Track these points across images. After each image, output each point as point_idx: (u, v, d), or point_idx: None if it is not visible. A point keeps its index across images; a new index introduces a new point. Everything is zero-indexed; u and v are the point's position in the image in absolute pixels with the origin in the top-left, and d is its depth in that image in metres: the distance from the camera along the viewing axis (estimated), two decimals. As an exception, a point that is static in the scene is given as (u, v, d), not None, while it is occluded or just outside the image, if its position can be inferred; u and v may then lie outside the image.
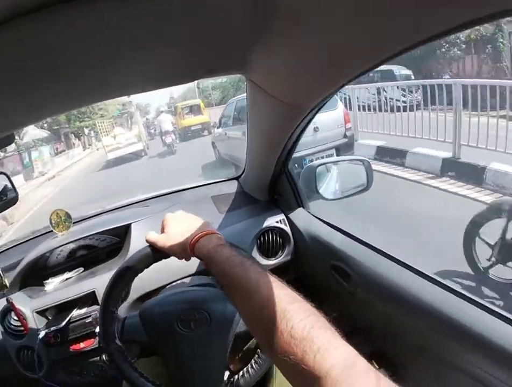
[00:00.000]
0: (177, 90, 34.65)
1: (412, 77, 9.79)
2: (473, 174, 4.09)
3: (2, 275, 1.01)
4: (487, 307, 0.69)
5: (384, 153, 5.68)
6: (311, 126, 3.98)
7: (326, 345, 0.42)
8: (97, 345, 1.13)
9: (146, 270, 0.79)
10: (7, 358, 1.14)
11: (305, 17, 0.47)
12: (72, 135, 23.74)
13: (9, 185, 0.88)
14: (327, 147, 4.84)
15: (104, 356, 1.17)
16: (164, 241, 0.72)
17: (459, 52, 11.49)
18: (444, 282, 0.78)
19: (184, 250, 0.69)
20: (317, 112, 0.85)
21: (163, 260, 0.77)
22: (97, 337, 1.11)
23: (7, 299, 1.04)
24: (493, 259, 2.38)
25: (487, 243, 2.40)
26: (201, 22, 0.48)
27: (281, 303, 0.49)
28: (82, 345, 1.13)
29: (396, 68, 9.65)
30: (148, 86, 0.76)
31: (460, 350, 0.69)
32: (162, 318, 0.84)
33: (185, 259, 0.72)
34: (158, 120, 14.18)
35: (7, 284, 1.02)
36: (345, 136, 5.08)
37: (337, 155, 4.83)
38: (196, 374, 0.83)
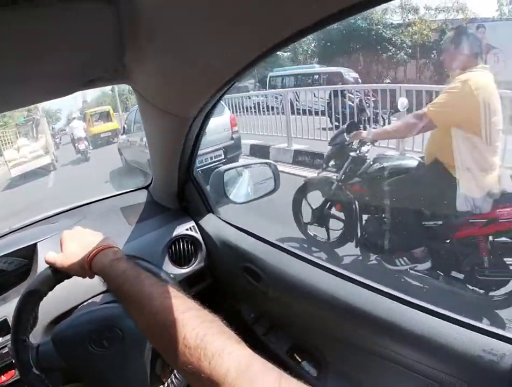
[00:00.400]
0: (90, 94, 32.69)
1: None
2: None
3: None
4: (385, 291, 0.76)
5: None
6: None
7: (219, 351, 0.42)
8: (18, 377, 1.02)
9: (54, 291, 0.76)
10: None
11: (167, 25, 0.48)
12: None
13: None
14: (215, 148, 5.63)
15: None
16: (62, 260, 0.70)
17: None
18: (343, 272, 0.84)
19: (82, 268, 0.67)
20: (205, 120, 0.87)
21: (71, 279, 0.74)
22: (16, 370, 1.02)
23: None
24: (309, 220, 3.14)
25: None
26: (71, 33, 0.47)
27: (174, 312, 0.48)
28: (3, 378, 1.04)
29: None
30: (34, 99, 0.73)
31: (367, 334, 0.75)
32: (74, 340, 0.81)
33: (89, 277, 0.70)
34: (70, 126, 13.50)
35: None
36: (232, 138, 5.94)
37: (225, 156, 5.77)
38: None
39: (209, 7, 0.42)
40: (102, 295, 1.04)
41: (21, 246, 1.19)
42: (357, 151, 2.66)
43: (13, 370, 1.03)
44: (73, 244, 0.72)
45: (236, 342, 0.45)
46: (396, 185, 2.35)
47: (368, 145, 2.69)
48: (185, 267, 1.19)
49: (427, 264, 2.35)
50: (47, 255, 0.74)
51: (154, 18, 0.47)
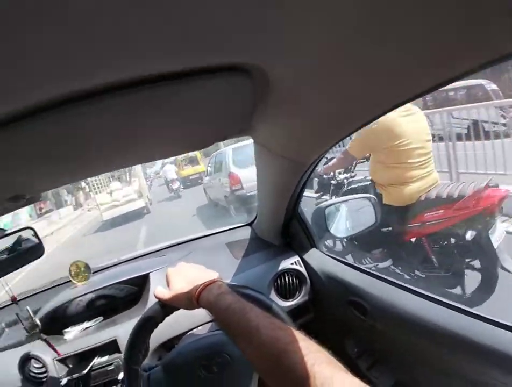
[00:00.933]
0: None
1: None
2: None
3: (32, 315, 1.02)
4: (505, 324, 0.70)
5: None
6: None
7: (328, 379, 0.42)
8: None
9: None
10: None
11: (296, 91, 0.52)
12: (65, 190, 21.25)
13: (35, 239, 0.92)
14: None
15: None
16: (170, 296, 0.74)
17: None
18: (458, 305, 0.80)
19: (189, 303, 0.71)
20: (318, 163, 0.91)
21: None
22: (119, 385, 1.12)
23: (42, 339, 1.07)
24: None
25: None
26: (207, 102, 0.52)
27: (281, 343, 0.49)
28: None
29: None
30: (166, 154, 0.83)
31: (482, 369, 0.70)
32: (184, 367, 0.85)
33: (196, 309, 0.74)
34: (163, 170, 15.21)
35: (39, 324, 1.03)
36: None
37: None
38: None
39: (335, 66, 0.44)
40: (209, 324, 1.10)
41: (135, 275, 1.30)
42: (336, 180, 3.21)
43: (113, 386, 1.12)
44: (179, 279, 0.75)
45: (344, 371, 0.44)
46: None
47: (345, 173, 3.22)
48: (290, 300, 1.21)
49: (388, 263, 2.67)
50: (156, 290, 0.78)
51: (284, 86, 0.51)
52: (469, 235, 2.19)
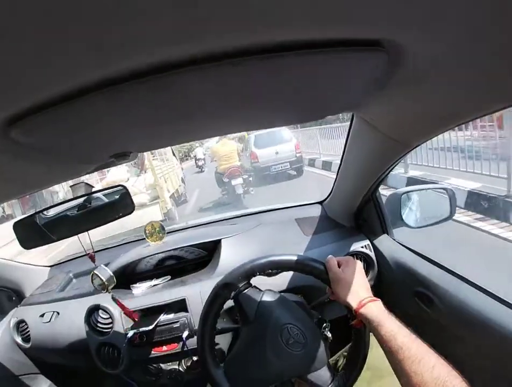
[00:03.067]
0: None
1: None
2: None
3: (109, 272, 1.08)
4: None
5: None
6: (274, 150, 8.92)
7: None
8: (179, 350, 1.18)
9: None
10: (86, 353, 1.23)
11: (426, 74, 0.49)
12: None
13: (127, 197, 0.95)
14: (282, 161, 8.89)
15: (183, 361, 1.21)
16: (338, 278, 0.83)
17: None
18: None
19: (349, 302, 0.79)
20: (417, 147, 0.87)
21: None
22: (180, 343, 1.17)
23: (112, 296, 1.11)
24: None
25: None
26: (326, 77, 0.51)
27: (445, 369, 0.60)
28: (164, 348, 1.19)
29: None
30: (268, 125, 0.84)
31: None
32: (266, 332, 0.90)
33: (338, 302, 0.83)
34: (194, 151, 17.56)
35: (114, 281, 1.09)
36: (295, 156, 9.07)
37: (290, 166, 9.05)
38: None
39: (469, 54, 0.43)
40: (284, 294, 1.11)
41: (208, 240, 1.34)
42: None
43: (176, 344, 1.18)
44: (353, 277, 0.82)
45: None
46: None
47: None
48: None
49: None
50: (331, 259, 0.86)
51: (416, 68, 0.48)
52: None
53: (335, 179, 1.26)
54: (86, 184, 0.97)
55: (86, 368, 1.42)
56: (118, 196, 0.97)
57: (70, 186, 0.99)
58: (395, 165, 1.00)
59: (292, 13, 0.31)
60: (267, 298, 0.93)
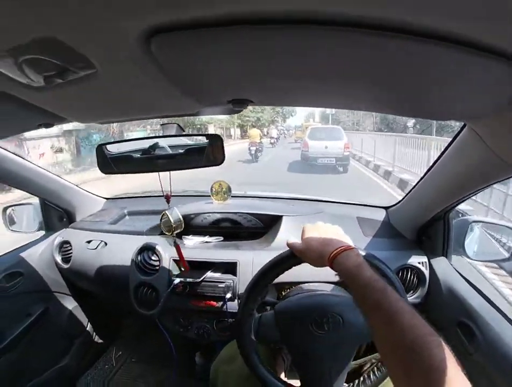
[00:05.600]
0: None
1: None
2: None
3: (180, 216, 1.10)
4: None
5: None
6: (324, 144, 10.74)
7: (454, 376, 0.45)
8: (216, 309, 1.20)
9: None
10: (123, 288, 1.27)
11: None
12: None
13: (219, 148, 0.95)
14: (329, 156, 10.22)
15: (214, 322, 1.23)
16: (301, 248, 0.76)
17: None
18: None
19: (320, 261, 0.72)
20: None
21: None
22: (220, 302, 1.19)
23: (175, 241, 1.13)
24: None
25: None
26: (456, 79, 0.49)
27: (417, 331, 0.50)
28: (202, 304, 1.21)
29: None
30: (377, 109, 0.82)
31: None
32: (297, 318, 0.87)
33: (316, 267, 0.75)
34: (270, 130, 21.30)
35: (183, 226, 1.10)
36: (342, 154, 10.29)
37: (335, 162, 10.40)
38: (323, 375, 0.85)
39: None
40: (322, 284, 1.11)
41: (269, 213, 1.35)
42: None
43: (214, 302, 1.19)
44: (314, 238, 0.76)
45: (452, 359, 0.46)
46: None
47: None
48: None
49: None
50: (289, 240, 0.81)
51: None
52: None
53: (412, 188, 1.23)
54: (179, 125, 0.98)
55: (117, 302, 1.47)
56: (207, 145, 0.97)
57: (161, 124, 0.99)
58: (486, 188, 0.97)
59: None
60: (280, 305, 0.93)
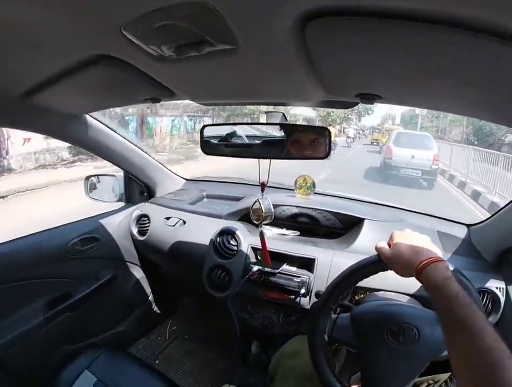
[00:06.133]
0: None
1: None
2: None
3: (271, 207, 1.10)
4: None
5: None
6: (410, 153, 8.95)
7: None
8: (287, 303, 1.20)
9: None
10: (197, 268, 1.31)
11: None
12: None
13: (326, 142, 0.94)
14: (415, 168, 8.84)
15: (281, 314, 1.24)
16: (389, 255, 0.75)
17: None
18: None
19: (407, 271, 0.70)
20: None
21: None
22: (292, 296, 1.19)
23: (261, 232, 1.15)
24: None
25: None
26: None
27: (500, 355, 0.48)
28: (274, 295, 1.22)
29: None
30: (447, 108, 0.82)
31: None
32: (373, 326, 0.85)
33: (402, 276, 0.74)
34: (346, 130, 21.63)
35: (273, 217, 1.12)
36: (430, 167, 8.85)
37: (421, 175, 8.90)
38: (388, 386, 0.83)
39: None
40: (399, 294, 1.08)
41: (351, 214, 1.34)
42: None
43: (286, 295, 1.19)
44: (403, 245, 0.74)
45: None
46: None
47: None
48: None
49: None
50: (378, 244, 0.79)
51: None
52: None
53: (500, 209, 1.17)
54: (283, 114, 0.98)
55: (188, 280, 1.51)
56: (312, 137, 0.96)
57: (266, 112, 1.00)
58: None
59: None
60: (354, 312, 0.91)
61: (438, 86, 0.61)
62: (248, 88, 0.80)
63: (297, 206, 1.36)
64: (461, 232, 1.35)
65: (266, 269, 1.19)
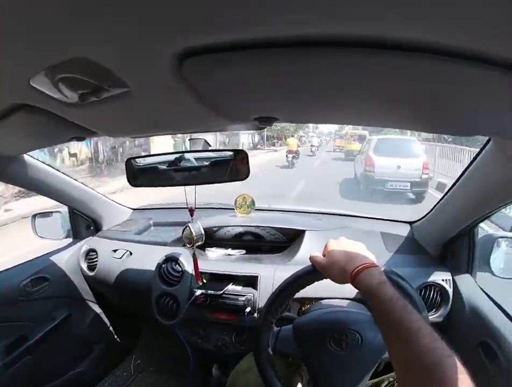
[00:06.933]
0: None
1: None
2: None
3: (202, 231, 1.13)
4: None
5: None
6: (395, 163, 7.30)
7: None
8: (235, 323, 1.21)
9: None
10: (146, 298, 1.30)
11: None
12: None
13: (244, 163, 0.97)
14: (403, 180, 7.57)
15: (233, 334, 1.25)
16: (324, 264, 0.76)
17: None
18: None
19: (342, 278, 0.72)
20: None
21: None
22: (239, 316, 1.19)
23: (194, 253, 1.16)
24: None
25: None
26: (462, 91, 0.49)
27: (436, 354, 0.49)
28: (222, 316, 1.23)
29: None
30: (386, 124, 0.83)
31: None
32: (316, 334, 0.87)
33: (338, 284, 0.75)
34: (311, 139, 21.46)
35: (203, 239, 1.13)
36: (420, 178, 7.63)
37: (410, 188, 7.65)
38: None
39: None
40: (341, 300, 1.10)
41: (292, 227, 1.36)
42: None
43: (234, 315, 1.20)
44: (338, 252, 0.75)
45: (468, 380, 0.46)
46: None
47: None
48: None
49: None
50: (312, 254, 0.80)
51: None
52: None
53: (437, 203, 1.22)
54: (206, 141, 1.01)
55: (140, 311, 1.50)
56: (232, 160, 0.99)
57: (189, 139, 1.02)
58: None
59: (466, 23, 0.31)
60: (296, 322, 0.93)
61: (339, 103, 0.63)
62: (152, 123, 0.82)
63: (241, 225, 1.38)
64: (404, 230, 1.40)
65: (210, 291, 1.20)
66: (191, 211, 1.09)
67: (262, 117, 0.73)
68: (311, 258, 0.80)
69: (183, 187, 1.04)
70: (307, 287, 0.86)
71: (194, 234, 1.11)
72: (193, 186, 1.05)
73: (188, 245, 1.16)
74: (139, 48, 0.41)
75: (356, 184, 9.20)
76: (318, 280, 0.82)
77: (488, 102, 0.51)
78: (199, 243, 1.13)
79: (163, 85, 0.52)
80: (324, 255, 0.79)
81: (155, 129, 0.93)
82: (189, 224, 1.12)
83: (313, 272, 0.80)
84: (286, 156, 13.92)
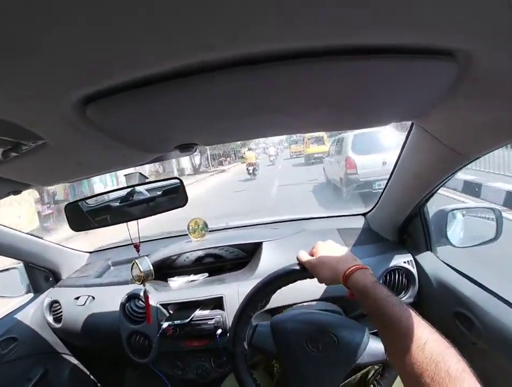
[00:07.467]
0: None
1: None
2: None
3: (150, 266, 1.09)
4: None
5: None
6: (379, 159, 6.02)
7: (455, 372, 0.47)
8: (210, 347, 1.19)
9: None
10: (117, 340, 1.25)
11: (502, 85, 0.48)
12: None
13: (180, 190, 0.96)
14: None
15: (211, 359, 1.21)
16: (315, 263, 0.77)
17: None
18: None
19: (333, 277, 0.73)
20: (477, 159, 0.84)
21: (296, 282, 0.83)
22: (213, 340, 1.17)
23: (145, 290, 1.13)
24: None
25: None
26: (389, 83, 0.50)
27: (438, 345, 0.52)
28: (195, 343, 1.20)
29: None
30: (324, 128, 0.83)
31: None
32: (293, 334, 0.87)
33: (325, 284, 0.77)
34: (268, 149, 21.81)
35: (153, 273, 1.10)
36: None
37: None
38: None
39: None
40: (316, 302, 1.12)
41: (249, 242, 1.35)
42: None
43: (207, 340, 1.18)
44: (328, 254, 0.78)
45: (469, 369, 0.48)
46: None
47: None
48: None
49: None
50: (300, 253, 0.81)
51: (489, 79, 0.47)
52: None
53: (383, 191, 1.23)
54: (141, 174, 0.98)
55: (115, 354, 1.45)
56: (170, 189, 0.97)
57: (125, 175, 1.00)
58: (449, 179, 0.98)
59: (371, 18, 0.31)
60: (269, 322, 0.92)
61: (261, 118, 0.63)
62: (79, 168, 0.81)
63: (198, 250, 1.36)
64: (359, 222, 1.42)
65: (176, 322, 1.17)
66: (136, 247, 1.06)
67: (183, 144, 0.72)
68: (298, 258, 0.82)
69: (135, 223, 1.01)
70: (277, 294, 0.87)
71: (142, 270, 1.07)
72: (136, 221, 1.02)
73: (138, 283, 1.12)
74: (41, 99, 0.40)
75: (334, 190, 8.38)
76: (302, 279, 0.83)
77: (404, 89, 0.53)
78: (150, 279, 1.10)
79: (73, 131, 0.52)
80: (311, 255, 0.80)
81: (84, 173, 0.92)
82: (136, 261, 1.08)
83: (300, 271, 0.81)
84: (247, 169, 14.61)
